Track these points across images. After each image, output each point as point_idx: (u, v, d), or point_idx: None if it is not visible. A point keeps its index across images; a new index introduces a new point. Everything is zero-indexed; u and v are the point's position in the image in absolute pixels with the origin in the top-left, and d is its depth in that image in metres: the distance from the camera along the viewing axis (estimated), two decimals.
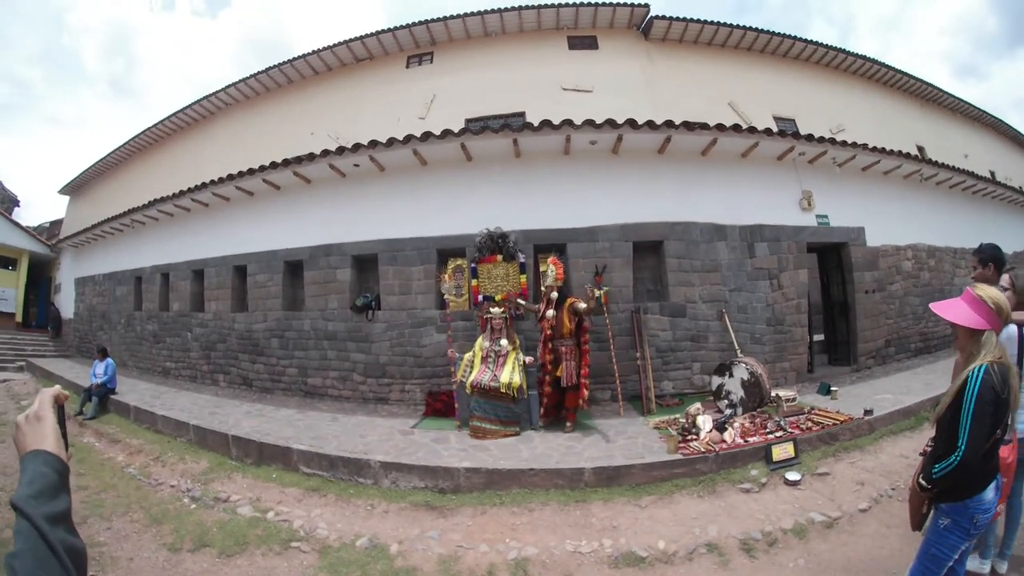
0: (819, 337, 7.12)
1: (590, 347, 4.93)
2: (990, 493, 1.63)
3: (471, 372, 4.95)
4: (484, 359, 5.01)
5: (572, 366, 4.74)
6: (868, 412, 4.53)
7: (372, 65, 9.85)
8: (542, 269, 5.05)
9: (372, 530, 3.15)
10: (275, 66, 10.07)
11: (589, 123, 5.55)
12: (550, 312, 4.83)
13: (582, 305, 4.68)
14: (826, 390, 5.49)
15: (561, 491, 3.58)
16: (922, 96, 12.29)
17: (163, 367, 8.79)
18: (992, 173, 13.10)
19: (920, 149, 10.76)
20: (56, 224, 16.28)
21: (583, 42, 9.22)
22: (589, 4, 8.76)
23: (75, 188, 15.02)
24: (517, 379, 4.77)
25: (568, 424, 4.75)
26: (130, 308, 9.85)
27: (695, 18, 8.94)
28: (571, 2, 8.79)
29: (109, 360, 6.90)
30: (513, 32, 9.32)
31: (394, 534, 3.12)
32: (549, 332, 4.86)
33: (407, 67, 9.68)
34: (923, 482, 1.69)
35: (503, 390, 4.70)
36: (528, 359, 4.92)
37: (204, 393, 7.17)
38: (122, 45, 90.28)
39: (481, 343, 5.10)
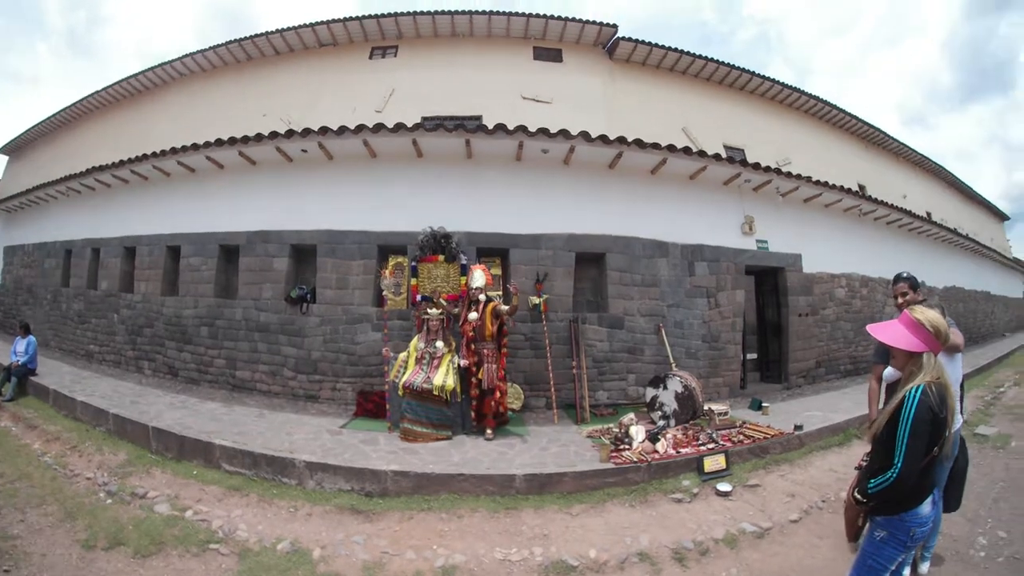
0: (752, 356, 7.24)
1: (513, 350, 4.84)
2: (926, 507, 1.64)
3: (404, 373, 4.73)
4: (419, 360, 4.81)
5: (493, 369, 4.63)
6: (798, 427, 4.61)
7: (335, 52, 9.47)
8: (475, 275, 4.89)
9: (294, 533, 2.99)
10: (235, 40, 9.52)
11: (543, 131, 5.44)
12: (472, 315, 4.69)
13: (504, 308, 4.60)
14: (758, 406, 5.55)
15: (491, 497, 3.47)
16: (867, 138, 12.94)
17: (87, 350, 8.05)
18: (928, 214, 13.94)
19: (861, 187, 11.29)
20: None
21: (548, 54, 9.18)
22: (559, 18, 8.74)
23: (15, 149, 13.77)
24: (451, 382, 4.59)
25: (488, 431, 4.57)
26: (57, 283, 9.04)
27: (659, 44, 9.08)
28: (542, 14, 8.75)
29: (31, 338, 6.31)
30: (481, 36, 9.17)
31: (317, 538, 2.96)
32: (471, 334, 4.72)
33: (370, 58, 9.35)
34: (858, 496, 1.69)
35: (436, 392, 4.51)
36: (463, 362, 4.73)
37: (127, 380, 6.59)
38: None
39: (416, 344, 4.89)
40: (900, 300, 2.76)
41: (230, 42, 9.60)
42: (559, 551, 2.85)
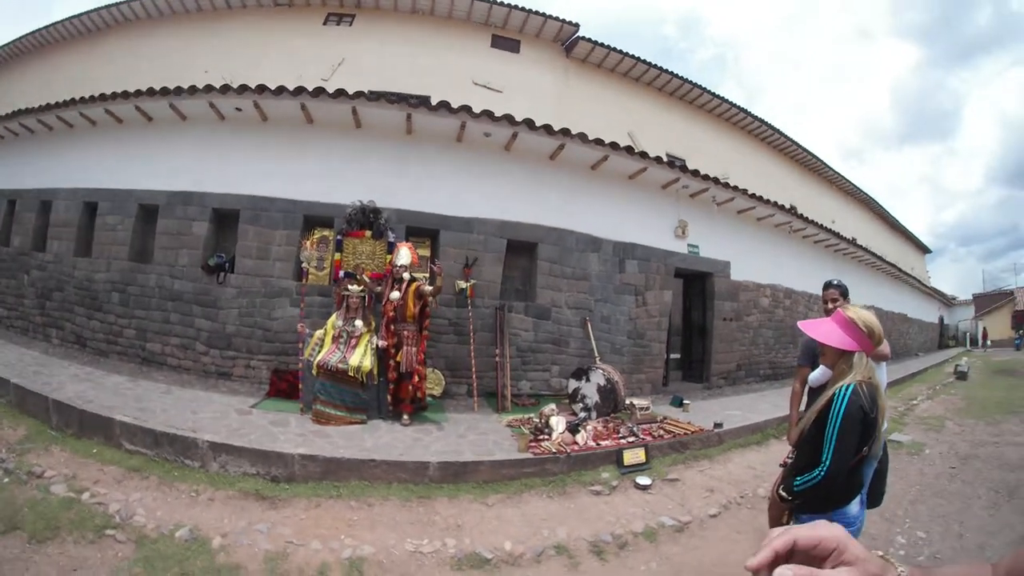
0: (676, 355, 7.34)
1: (436, 335, 4.60)
2: (854, 507, 1.59)
3: (320, 351, 4.41)
4: (335, 339, 4.47)
5: (412, 352, 4.37)
6: (718, 425, 4.63)
7: (288, 14, 8.85)
8: (401, 252, 4.62)
9: (195, 520, 2.75)
10: None
11: (488, 114, 5.22)
12: (395, 294, 4.41)
13: (428, 288, 4.35)
14: (679, 403, 5.58)
15: (404, 485, 3.25)
16: (804, 163, 13.55)
17: None
18: (854, 239, 14.79)
19: (793, 207, 11.78)
20: None
21: (506, 43, 8.95)
22: (523, 9, 8.53)
23: None
24: (368, 363, 4.30)
25: (404, 417, 4.32)
26: None
27: (617, 48, 9.05)
28: (507, 2, 8.49)
29: None
30: (442, 15, 8.81)
31: (218, 526, 2.72)
32: (392, 315, 4.44)
33: (324, 24, 8.80)
34: (783, 493, 1.61)
35: (351, 374, 4.22)
36: (381, 343, 4.44)
37: (34, 349, 5.88)
38: None
39: (334, 321, 4.54)
40: (830, 306, 2.75)
41: None
42: (473, 543, 2.71)
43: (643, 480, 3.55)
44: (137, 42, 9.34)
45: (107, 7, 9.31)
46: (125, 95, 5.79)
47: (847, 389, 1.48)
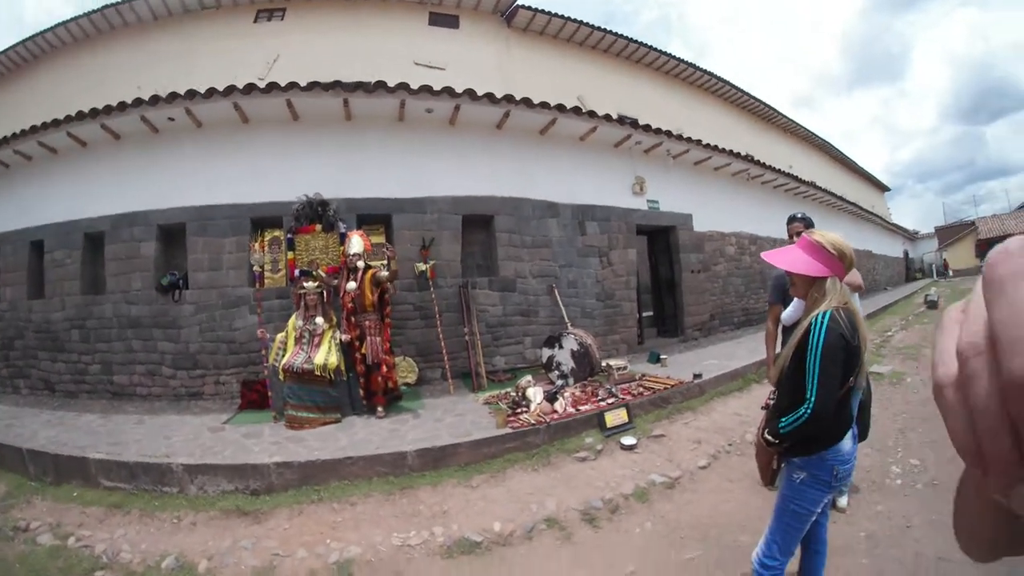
0: (649, 313, 7.26)
1: (392, 321, 4.41)
2: (847, 443, 1.46)
3: (284, 355, 4.20)
4: (298, 340, 4.27)
5: (377, 342, 4.19)
6: (697, 376, 4.52)
7: (216, 16, 8.38)
8: (352, 241, 4.40)
9: (179, 547, 2.65)
10: (112, 4, 8.20)
11: (426, 88, 4.98)
12: (351, 284, 4.20)
13: (384, 274, 4.16)
14: (656, 359, 5.48)
15: (384, 479, 3.13)
16: (757, 113, 13.49)
17: None
18: (813, 182, 14.88)
19: (749, 155, 11.75)
20: None
21: (444, 20, 8.60)
22: None
23: None
24: (334, 360, 4.11)
25: (379, 409, 4.15)
26: None
27: (558, 13, 8.79)
28: None
29: None
30: None
31: (203, 549, 2.62)
32: (351, 306, 4.23)
33: (255, 21, 8.35)
34: (769, 437, 1.46)
35: (319, 373, 4.02)
36: (344, 336, 4.25)
37: (4, 403, 5.55)
38: None
39: (295, 322, 4.33)
40: (795, 240, 2.65)
41: (106, 6, 8.23)
42: (461, 528, 2.60)
43: (628, 440, 3.45)
44: (65, 69, 8.79)
45: (28, 39, 8.75)
46: (55, 123, 5.43)
47: (823, 316, 1.35)
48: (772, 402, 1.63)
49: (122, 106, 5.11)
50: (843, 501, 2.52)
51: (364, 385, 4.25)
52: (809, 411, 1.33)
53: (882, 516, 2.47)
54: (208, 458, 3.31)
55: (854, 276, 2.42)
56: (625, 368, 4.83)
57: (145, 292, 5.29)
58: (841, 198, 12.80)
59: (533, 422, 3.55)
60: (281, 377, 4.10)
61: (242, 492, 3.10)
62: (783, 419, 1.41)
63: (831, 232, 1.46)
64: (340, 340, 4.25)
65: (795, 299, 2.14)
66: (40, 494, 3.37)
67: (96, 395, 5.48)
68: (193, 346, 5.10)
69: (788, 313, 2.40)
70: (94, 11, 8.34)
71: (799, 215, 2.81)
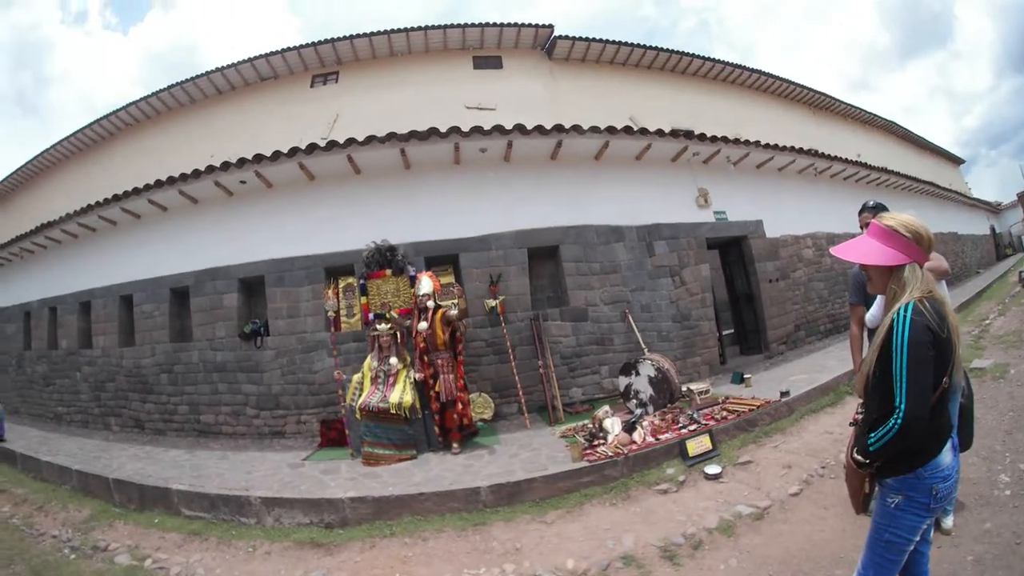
0: (729, 331, 6.83)
1: (465, 358, 4.45)
2: (947, 456, 1.25)
3: (360, 394, 4.33)
4: (374, 380, 4.39)
5: (450, 379, 4.20)
6: (784, 394, 4.20)
7: (276, 84, 9.07)
8: (422, 282, 4.47)
9: (251, 573, 2.78)
10: (178, 84, 9.09)
11: (477, 129, 5.07)
12: (422, 325, 4.26)
13: (453, 312, 4.21)
14: (739, 379, 5.14)
15: (457, 515, 3.09)
16: (815, 104, 12.71)
17: (55, 412, 7.47)
18: (884, 167, 13.73)
19: (812, 149, 11.02)
20: None
21: (488, 62, 8.87)
22: (495, 24, 8.42)
23: None
24: (408, 398, 4.17)
25: (454, 445, 4.15)
26: (20, 348, 8.44)
27: (597, 38, 8.80)
28: (477, 22, 8.41)
29: None
30: (419, 52, 8.84)
31: None
32: (423, 345, 4.28)
33: (311, 86, 8.96)
34: (859, 457, 1.29)
35: (394, 411, 4.10)
36: (418, 375, 4.31)
37: (95, 438, 6.12)
38: (30, 58, 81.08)
39: (370, 363, 4.47)
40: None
41: (172, 86, 9.15)
42: (533, 565, 2.50)
43: (712, 469, 3.22)
44: (143, 143, 9.75)
45: (108, 116, 9.78)
46: (136, 191, 6.01)
47: (906, 310, 1.17)
48: (861, 416, 1.42)
49: (196, 173, 5.57)
50: (948, 522, 2.22)
51: (439, 422, 4.27)
52: (899, 421, 1.15)
53: (990, 534, 2.17)
54: (286, 492, 3.45)
55: (937, 260, 2.14)
56: (707, 391, 4.56)
57: (229, 339, 5.63)
58: (916, 179, 11.72)
59: (611, 454, 3.41)
60: (358, 416, 4.23)
61: (317, 525, 3.18)
62: (872, 434, 1.23)
63: (903, 213, 1.30)
64: (414, 379, 4.32)
65: (878, 297, 1.88)
66: (123, 519, 3.64)
67: (183, 433, 5.86)
68: (275, 388, 5.35)
69: (872, 313, 2.16)
70: (162, 90, 9.26)
71: (870, 203, 2.54)
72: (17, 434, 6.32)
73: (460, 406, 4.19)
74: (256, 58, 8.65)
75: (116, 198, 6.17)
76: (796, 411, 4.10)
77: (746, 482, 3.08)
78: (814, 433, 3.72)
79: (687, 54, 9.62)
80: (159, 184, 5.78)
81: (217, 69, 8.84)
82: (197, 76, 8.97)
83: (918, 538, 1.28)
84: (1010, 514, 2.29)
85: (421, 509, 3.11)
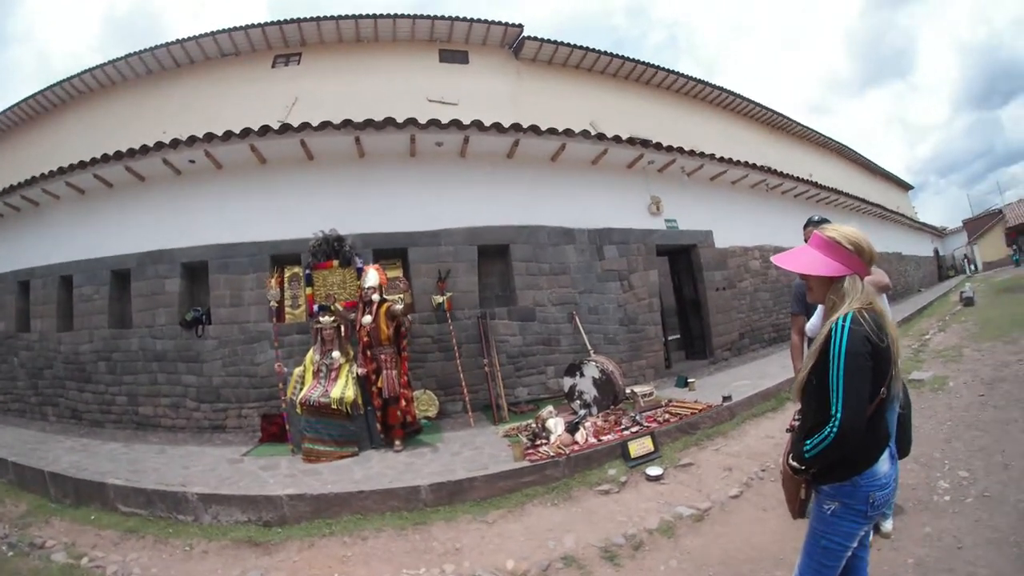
0: (675, 336, 7.05)
1: (411, 354, 4.42)
2: (884, 465, 1.26)
3: (301, 388, 4.24)
4: (315, 374, 4.31)
5: (393, 375, 4.17)
6: (727, 398, 4.34)
7: (237, 63, 8.74)
8: (368, 275, 4.42)
9: (188, 573, 2.72)
10: (136, 53, 8.61)
11: (434, 123, 5.05)
12: (366, 318, 4.22)
13: (399, 307, 4.17)
14: (683, 383, 5.31)
15: (397, 514, 3.07)
16: (772, 124, 13.26)
17: None
18: (834, 188, 14.44)
19: (765, 166, 11.49)
20: None
21: (454, 56, 8.83)
22: (465, 19, 8.41)
23: None
24: (351, 394, 4.12)
25: (397, 443, 4.12)
26: None
27: (565, 42, 8.92)
28: (448, 16, 8.40)
29: None
30: (386, 40, 8.70)
31: None
32: (367, 340, 4.24)
33: (273, 66, 8.68)
34: (794, 463, 1.29)
35: (335, 406, 4.04)
36: (360, 370, 4.26)
37: (31, 428, 5.79)
38: None
39: (312, 356, 4.39)
40: None
41: (130, 55, 8.66)
42: (473, 566, 2.52)
43: (653, 471, 3.27)
44: (94, 114, 9.22)
45: (55, 84, 9.22)
46: (82, 165, 5.68)
47: (845, 320, 1.19)
48: (797, 422, 1.45)
49: (145, 149, 5.33)
50: (887, 525, 2.32)
51: (381, 419, 4.23)
52: (835, 430, 1.16)
53: (931, 538, 2.28)
54: (224, 488, 3.36)
55: (878, 275, 2.22)
56: (651, 394, 4.66)
57: (170, 327, 5.41)
58: (864, 200, 12.42)
59: (552, 454, 3.44)
60: (299, 411, 4.13)
61: (255, 523, 3.12)
62: (808, 441, 1.24)
63: (846, 226, 1.31)
64: (357, 374, 4.26)
65: (819, 307, 1.95)
66: (59, 515, 3.50)
67: (122, 425, 5.59)
68: (216, 380, 5.18)
69: (812, 323, 2.21)
70: (118, 59, 8.78)
71: (815, 218, 2.63)
72: None
73: (403, 403, 4.17)
74: (218, 32, 8.31)
75: (61, 171, 5.82)
76: (738, 416, 4.24)
77: (687, 484, 3.16)
78: (755, 437, 3.84)
79: (652, 65, 9.84)
80: (105, 159, 5.50)
81: (178, 41, 8.43)
82: (157, 47, 8.55)
83: (855, 544, 1.30)
84: (950, 519, 2.37)
85: (361, 507, 3.09)
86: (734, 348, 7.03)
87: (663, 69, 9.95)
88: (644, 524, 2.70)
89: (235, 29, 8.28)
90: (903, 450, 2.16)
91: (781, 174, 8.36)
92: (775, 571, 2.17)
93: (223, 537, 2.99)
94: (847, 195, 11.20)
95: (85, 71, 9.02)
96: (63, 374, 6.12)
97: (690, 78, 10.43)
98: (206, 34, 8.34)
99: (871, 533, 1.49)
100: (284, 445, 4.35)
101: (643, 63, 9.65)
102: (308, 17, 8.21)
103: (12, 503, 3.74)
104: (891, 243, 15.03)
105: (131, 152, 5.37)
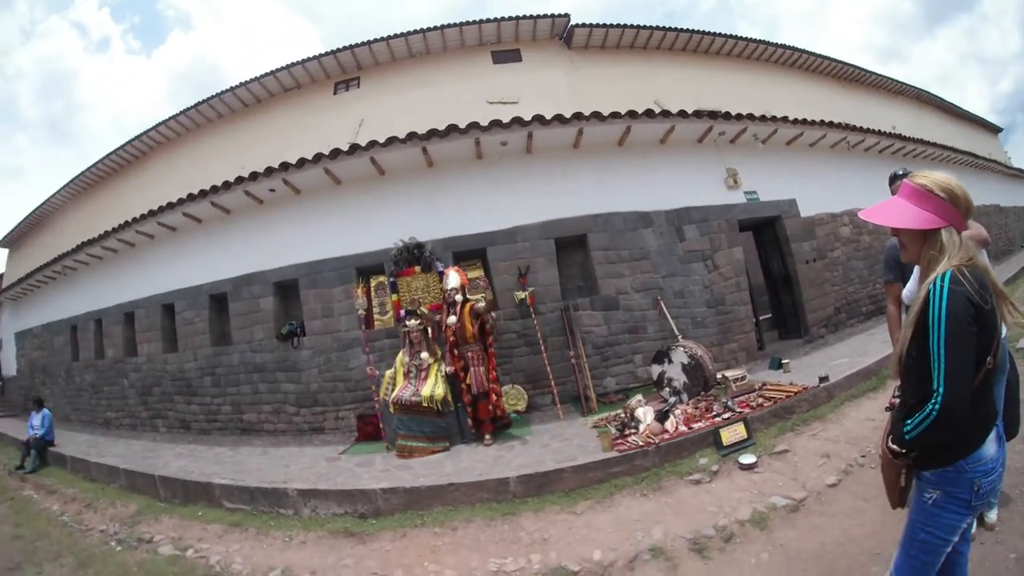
0: (766, 315, 6.67)
1: (497, 350, 4.58)
2: (991, 447, 1.13)
3: (393, 389, 4.50)
4: (406, 374, 4.56)
5: (480, 372, 4.32)
6: (824, 379, 4.08)
7: (300, 94, 9.33)
8: (450, 276, 4.59)
9: (287, 562, 2.91)
10: (204, 101, 9.46)
11: (496, 123, 5.14)
12: (451, 319, 4.39)
13: (481, 305, 4.32)
14: (777, 364, 5.04)
15: (487, 505, 3.18)
16: (844, 77, 12.25)
17: (104, 417, 7.99)
18: (920, 139, 13.09)
19: (844, 123, 10.64)
20: None
21: (507, 56, 8.90)
22: (511, 18, 8.46)
23: (13, 240, 13.89)
24: (440, 392, 4.31)
25: (487, 437, 4.24)
26: (68, 359, 9.03)
27: (615, 23, 8.69)
28: (493, 18, 8.48)
29: (45, 411, 6.35)
30: (438, 51, 8.94)
31: (308, 564, 2.86)
32: (453, 339, 4.41)
33: (335, 93, 9.17)
34: (894, 446, 1.19)
35: (425, 404, 4.25)
36: (449, 369, 4.43)
37: (142, 439, 6.58)
38: (58, 88, 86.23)
39: (402, 358, 4.65)
40: None
41: (199, 103, 9.53)
42: (559, 556, 2.54)
43: (747, 459, 3.13)
44: (175, 159, 10.18)
45: (138, 137, 10.28)
46: (170, 205, 6.35)
47: (943, 279, 1.06)
48: (897, 400, 1.31)
49: (226, 185, 5.85)
50: (992, 516, 2.07)
51: (472, 414, 4.37)
52: (938, 407, 1.04)
53: None
54: (322, 484, 3.60)
55: (976, 228, 2.01)
56: (743, 378, 4.45)
57: (267, 341, 5.89)
58: (953, 149, 11.16)
59: (642, 444, 3.39)
60: (392, 410, 4.37)
61: (351, 515, 3.30)
62: (908, 421, 1.12)
63: (937, 172, 1.16)
64: (445, 372, 4.44)
65: (915, 271, 1.74)
66: (168, 513, 3.87)
67: (227, 431, 6.20)
68: (313, 386, 5.58)
69: (909, 288, 1.99)
70: (188, 108, 9.66)
71: (900, 171, 2.41)
72: (68, 439, 6.80)
73: (493, 397, 4.29)
74: (278, 70, 8.92)
75: (151, 213, 6.55)
76: (836, 397, 3.98)
77: (782, 472, 3.01)
78: (855, 420, 3.59)
79: (708, 33, 9.41)
80: (191, 197, 6.10)
81: (241, 84, 9.14)
82: (222, 92, 9.32)
83: (957, 538, 1.19)
84: None
85: (451, 499, 3.19)
86: (830, 324, 6.55)
87: (720, 35, 9.47)
88: (736, 515, 2.62)
89: (292, 65, 8.84)
90: (1011, 430, 1.91)
91: (861, 129, 7.68)
92: (871, 566, 2.02)
93: (320, 528, 3.20)
94: (934, 145, 10.12)
95: (159, 123, 10.02)
96: (171, 390, 6.85)
97: (750, 40, 9.88)
98: (266, 73, 8.98)
99: (974, 525, 1.34)
100: (379, 443, 4.61)
101: (698, 32, 9.26)
102: (360, 42, 8.61)
103: (123, 504, 4.20)
104: (987, 194, 13.33)
105: (214, 189, 5.92)
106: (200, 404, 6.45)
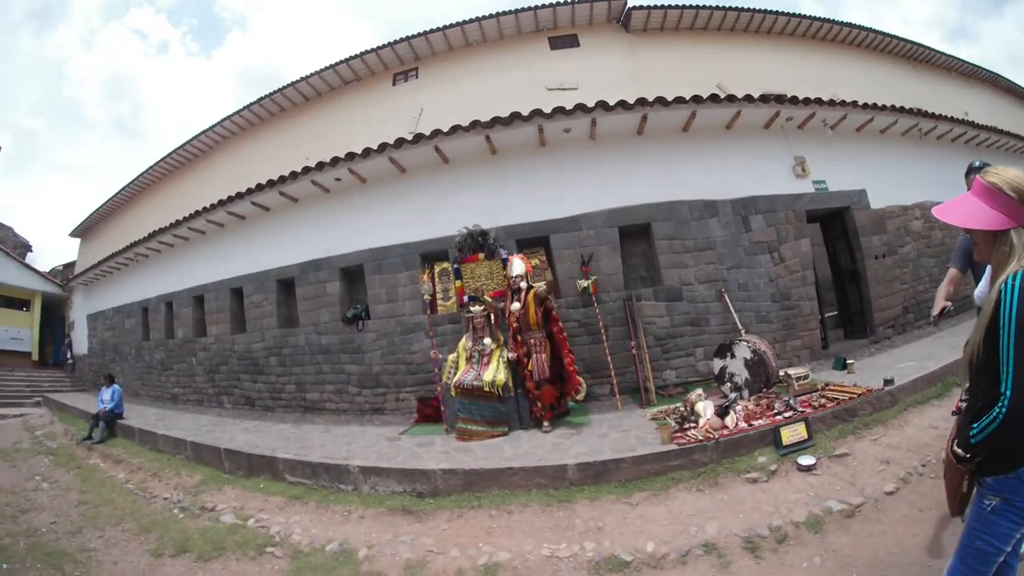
0: (832, 313, 6.51)
1: (568, 337, 4.64)
2: None
3: (455, 373, 4.67)
4: (468, 359, 4.73)
5: (543, 359, 4.43)
6: (888, 382, 3.98)
7: (360, 86, 9.61)
8: (514, 264, 4.72)
9: (345, 535, 3.04)
10: (265, 96, 9.90)
11: (559, 110, 5.20)
12: (515, 305, 4.51)
13: (543, 287, 4.43)
14: (842, 364, 4.94)
15: (544, 491, 3.25)
16: (914, 58, 11.55)
17: (172, 393, 8.65)
18: (995, 127, 12.22)
19: (915, 108, 10.08)
20: (69, 267, 16.16)
21: (564, 41, 8.89)
22: (566, 3, 8.41)
23: (85, 230, 15.05)
24: (502, 377, 4.44)
25: (545, 424, 4.34)
26: (138, 339, 9.77)
27: (673, 4, 8.52)
28: (547, 3, 8.46)
29: (116, 386, 6.84)
30: (494, 39, 9.02)
31: (365, 539, 2.99)
32: (516, 325, 4.53)
33: (394, 84, 9.41)
34: (959, 450, 1.19)
35: (487, 389, 4.39)
36: (511, 355, 4.57)
37: (208, 415, 7.07)
38: (122, 91, 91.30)
39: (465, 343, 4.82)
40: None
41: (261, 99, 9.97)
42: (613, 545, 2.61)
43: (805, 460, 3.12)
44: (240, 152, 10.70)
45: (203, 132, 10.86)
46: (239, 195, 6.73)
47: (1014, 279, 1.05)
48: (964, 404, 1.30)
49: (293, 175, 6.15)
50: None
51: (536, 400, 4.46)
52: (1005, 411, 1.03)
53: None
54: (382, 462, 3.75)
55: None
56: (806, 377, 4.38)
57: (332, 324, 6.23)
58: None
59: (701, 438, 3.40)
60: (453, 393, 4.53)
61: (409, 494, 3.43)
62: (975, 425, 1.11)
63: (1012, 168, 1.13)
64: (508, 358, 4.56)
65: (987, 271, 1.76)
66: (231, 484, 4.07)
67: (290, 409, 6.59)
68: (376, 368, 5.87)
69: (981, 289, 1.94)
70: (252, 103, 10.12)
71: (976, 163, 2.36)
72: (136, 412, 7.33)
73: (578, 378, 4.40)
74: (338, 64, 9.20)
75: (221, 203, 6.97)
76: (900, 402, 3.87)
77: (840, 476, 2.99)
78: (917, 427, 3.50)
79: (770, 12, 9.06)
80: (260, 187, 6.45)
81: (301, 79, 9.49)
82: (284, 87, 9.71)
83: (1009, 548, 1.18)
84: None
85: (509, 483, 3.27)
86: (897, 324, 6.33)
87: (783, 14, 9.12)
88: (791, 516, 2.62)
89: (352, 58, 9.12)
90: None
91: (934, 116, 7.28)
92: None
93: (379, 505, 3.31)
94: (1010, 135, 9.47)
95: (223, 119, 10.54)
96: (238, 368, 7.33)
97: (815, 18, 9.48)
98: (327, 67, 9.28)
99: (1022, 542, 1.30)
100: (439, 425, 4.80)
101: (761, 11, 8.93)
102: (417, 33, 8.77)
103: (188, 475, 4.45)
104: None
105: (281, 179, 6.23)
106: (265, 383, 6.90)
